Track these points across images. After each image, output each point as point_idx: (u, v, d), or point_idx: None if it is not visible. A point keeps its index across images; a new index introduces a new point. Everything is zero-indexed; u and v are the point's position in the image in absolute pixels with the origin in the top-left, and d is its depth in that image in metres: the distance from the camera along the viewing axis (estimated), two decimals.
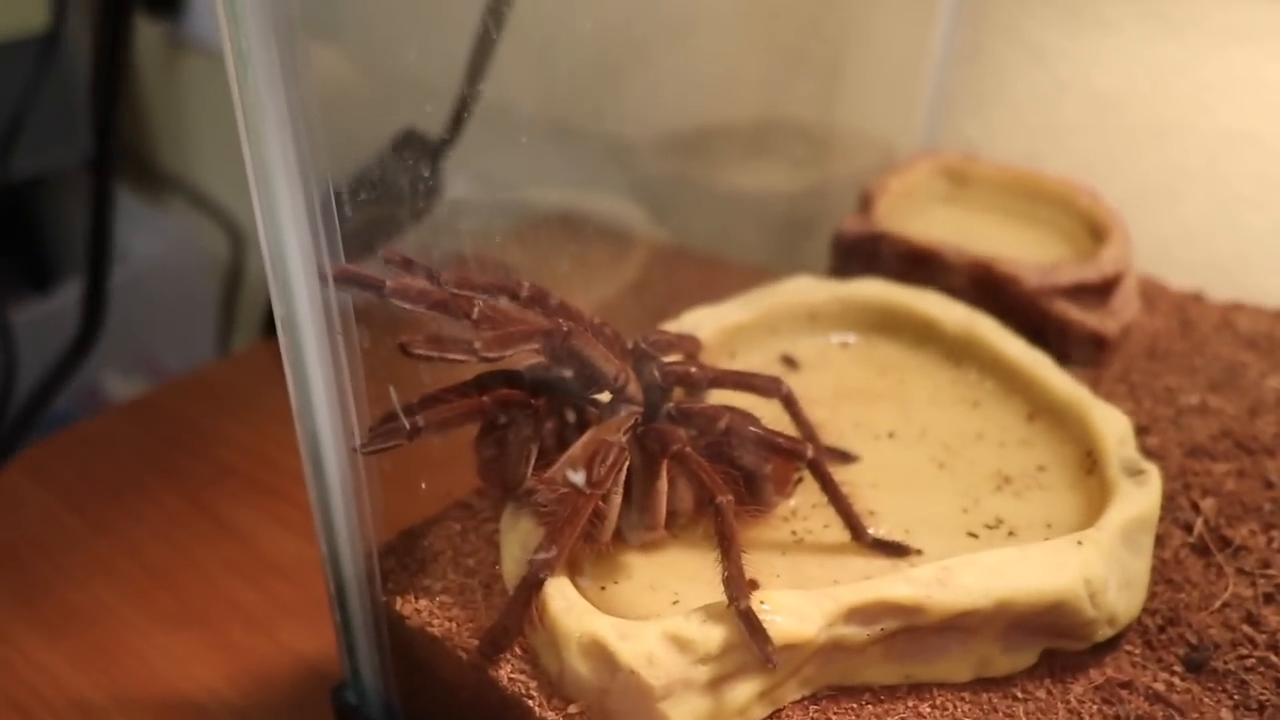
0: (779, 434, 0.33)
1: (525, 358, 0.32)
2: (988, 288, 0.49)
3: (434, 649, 0.33)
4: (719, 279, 0.51)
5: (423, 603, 0.34)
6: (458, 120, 0.49)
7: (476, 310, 0.30)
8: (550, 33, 0.50)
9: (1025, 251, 0.53)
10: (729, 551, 0.29)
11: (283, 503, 0.56)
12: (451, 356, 0.28)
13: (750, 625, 0.28)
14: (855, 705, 0.31)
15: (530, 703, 0.30)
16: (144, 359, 1.10)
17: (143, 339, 1.10)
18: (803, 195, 0.63)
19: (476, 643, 0.31)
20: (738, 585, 0.29)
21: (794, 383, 0.40)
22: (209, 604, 0.49)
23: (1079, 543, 0.32)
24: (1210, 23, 0.58)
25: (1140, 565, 0.34)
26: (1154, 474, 0.36)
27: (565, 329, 0.30)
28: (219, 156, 1.11)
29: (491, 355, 0.29)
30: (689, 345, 0.38)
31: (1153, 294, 0.56)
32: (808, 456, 0.32)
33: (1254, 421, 0.44)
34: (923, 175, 0.60)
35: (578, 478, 0.29)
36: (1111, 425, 0.38)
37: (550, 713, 0.30)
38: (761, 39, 0.63)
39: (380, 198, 0.35)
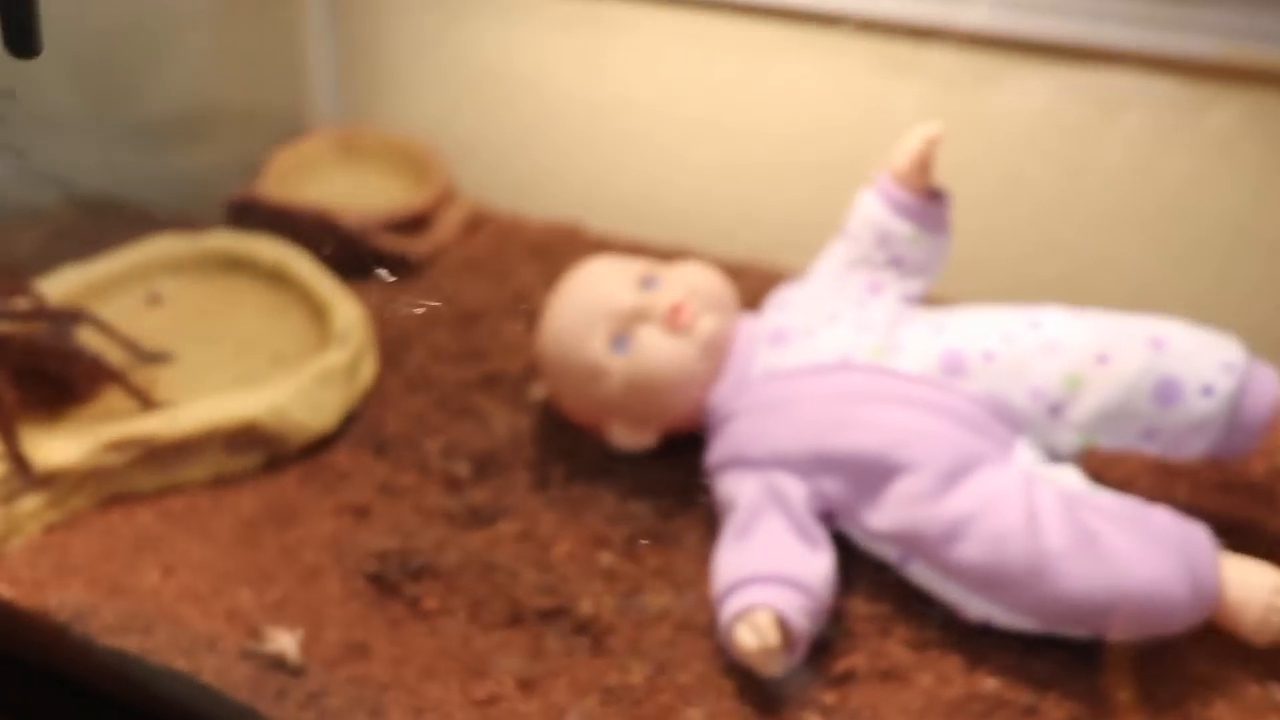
0: (60, 347, 0.50)
1: None
2: (328, 230, 0.69)
3: None
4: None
5: None
6: None
7: None
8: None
9: (390, 198, 0.73)
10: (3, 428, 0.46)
11: None
12: None
13: (17, 464, 0.46)
14: (128, 508, 0.50)
15: None
16: None
17: None
18: (232, 168, 0.80)
19: None
20: (11, 445, 0.46)
21: (157, 313, 0.58)
22: None
23: (269, 386, 0.53)
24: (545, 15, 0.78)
25: (332, 395, 0.55)
26: (351, 341, 0.57)
27: None
28: None
29: None
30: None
31: (484, 221, 0.78)
32: (72, 350, 0.50)
33: (512, 299, 0.67)
34: (317, 146, 0.78)
35: None
36: (343, 313, 0.59)
37: None
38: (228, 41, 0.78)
39: None
